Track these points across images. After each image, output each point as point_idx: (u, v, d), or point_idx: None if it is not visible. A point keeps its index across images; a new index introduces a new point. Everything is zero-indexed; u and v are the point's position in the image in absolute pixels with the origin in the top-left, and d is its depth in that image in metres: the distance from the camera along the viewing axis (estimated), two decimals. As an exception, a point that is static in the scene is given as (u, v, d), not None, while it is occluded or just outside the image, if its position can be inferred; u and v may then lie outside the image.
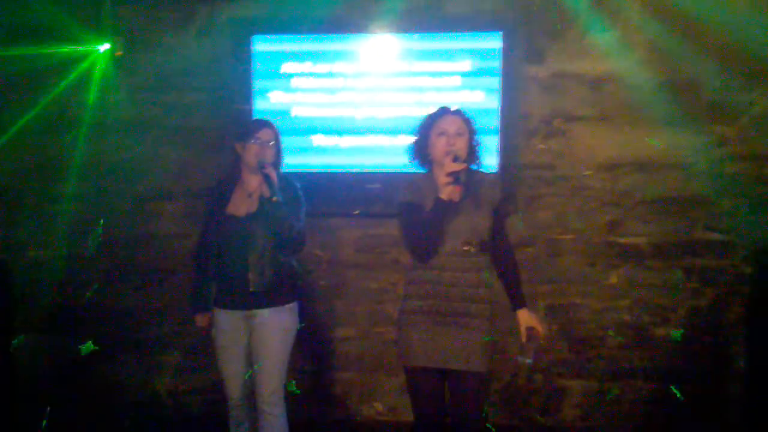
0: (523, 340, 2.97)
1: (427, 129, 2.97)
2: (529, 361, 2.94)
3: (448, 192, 2.83)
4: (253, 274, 3.19)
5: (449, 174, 2.82)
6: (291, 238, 3.19)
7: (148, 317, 4.40)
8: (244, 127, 3.37)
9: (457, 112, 3.00)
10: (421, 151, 3.02)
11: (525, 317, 2.99)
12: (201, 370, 4.27)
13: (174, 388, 4.47)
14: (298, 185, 3.35)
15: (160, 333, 4.39)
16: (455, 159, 2.84)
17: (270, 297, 3.23)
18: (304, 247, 3.33)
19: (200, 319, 3.39)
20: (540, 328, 2.98)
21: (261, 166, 3.16)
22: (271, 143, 3.27)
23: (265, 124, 3.33)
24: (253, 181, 3.26)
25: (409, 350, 2.93)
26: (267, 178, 3.14)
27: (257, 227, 3.19)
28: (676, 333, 4.13)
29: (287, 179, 3.32)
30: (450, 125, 2.92)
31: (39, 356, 4.38)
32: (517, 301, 3.02)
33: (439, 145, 2.92)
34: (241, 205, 3.26)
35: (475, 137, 3.00)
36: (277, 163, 3.29)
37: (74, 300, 4.35)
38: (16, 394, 4.01)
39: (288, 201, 3.20)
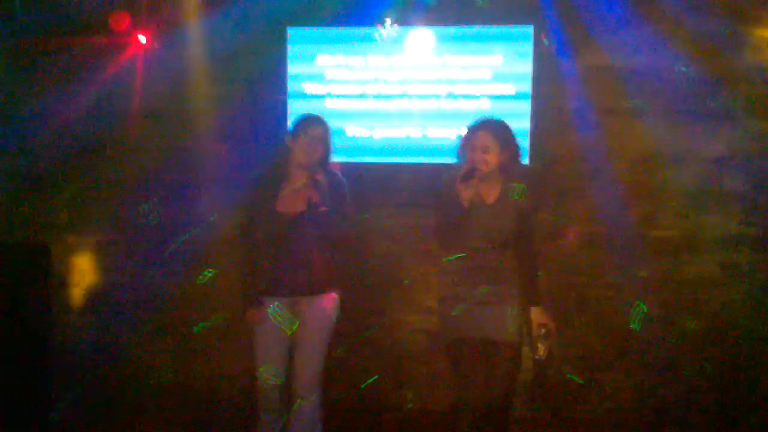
0: (534, 335, 3.14)
1: (465, 140, 3.18)
2: (540, 357, 3.11)
3: (467, 198, 3.02)
4: (300, 269, 3.26)
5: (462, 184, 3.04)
6: (337, 235, 3.30)
7: (184, 302, 4.49)
8: (297, 121, 3.39)
9: (490, 127, 3.14)
10: (462, 157, 3.19)
11: (537, 314, 3.17)
12: (235, 356, 4.34)
13: (208, 373, 4.56)
14: (345, 181, 3.38)
15: (196, 318, 4.47)
16: (468, 175, 3.02)
17: (316, 285, 3.32)
18: (350, 243, 3.48)
19: (252, 314, 3.35)
20: (552, 326, 3.14)
21: (311, 172, 3.21)
22: (320, 140, 3.30)
23: (317, 120, 3.36)
24: (301, 177, 3.28)
25: (449, 324, 3.15)
26: (317, 184, 3.19)
27: (304, 226, 3.24)
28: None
29: (335, 175, 3.35)
30: (479, 141, 3.11)
31: (77, 338, 4.50)
32: (532, 298, 3.19)
33: (469, 158, 3.12)
34: (289, 202, 3.28)
35: (510, 148, 3.15)
36: (325, 160, 3.32)
37: (112, 284, 4.46)
38: (52, 375, 4.12)
39: (335, 198, 3.26)
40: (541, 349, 3.10)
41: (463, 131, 3.24)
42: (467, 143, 3.16)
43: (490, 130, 3.13)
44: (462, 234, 3.08)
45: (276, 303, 3.34)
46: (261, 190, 3.36)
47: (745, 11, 3.95)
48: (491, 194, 3.14)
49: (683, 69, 3.99)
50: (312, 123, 3.33)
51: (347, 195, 3.37)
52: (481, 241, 3.09)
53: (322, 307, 3.35)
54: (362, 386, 4.15)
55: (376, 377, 4.15)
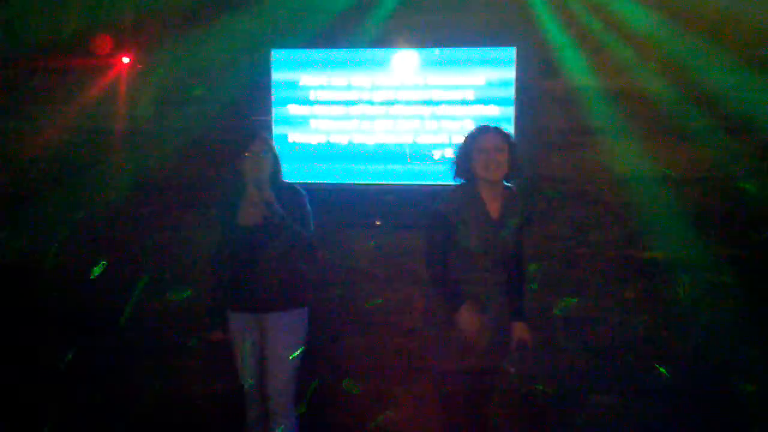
0: (513, 350, 3.12)
1: (469, 146, 3.08)
2: (512, 369, 3.17)
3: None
4: (262, 282, 3.26)
5: None
6: (301, 247, 3.28)
7: (168, 323, 4.47)
8: (238, 141, 3.43)
9: (497, 130, 3.10)
10: (462, 166, 3.11)
11: (520, 330, 3.14)
12: (219, 376, 4.31)
13: (192, 394, 4.51)
14: (305, 194, 3.41)
15: (180, 339, 4.45)
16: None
17: (279, 301, 3.30)
18: (319, 255, 3.40)
19: (216, 336, 3.44)
20: (530, 341, 3.13)
21: (258, 186, 3.24)
22: (263, 154, 3.33)
23: (255, 136, 3.41)
24: (256, 192, 3.31)
25: (448, 353, 3.02)
26: (268, 206, 3.22)
27: (265, 237, 3.26)
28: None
29: (294, 189, 3.39)
30: (490, 142, 3.03)
31: (60, 359, 4.46)
32: (517, 313, 3.16)
33: (480, 161, 3.02)
34: (248, 216, 3.31)
35: (516, 152, 3.10)
36: (275, 172, 3.36)
37: (96, 305, 4.43)
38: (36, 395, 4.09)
39: (294, 211, 3.28)
40: (517, 364, 3.14)
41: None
42: (473, 148, 3.06)
43: (498, 132, 3.08)
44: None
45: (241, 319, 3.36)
46: (225, 208, 3.42)
47: (720, 31, 3.99)
48: (495, 208, 3.07)
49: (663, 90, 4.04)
50: (251, 139, 3.39)
51: (307, 208, 3.38)
52: (487, 259, 3.03)
53: (288, 323, 3.33)
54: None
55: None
